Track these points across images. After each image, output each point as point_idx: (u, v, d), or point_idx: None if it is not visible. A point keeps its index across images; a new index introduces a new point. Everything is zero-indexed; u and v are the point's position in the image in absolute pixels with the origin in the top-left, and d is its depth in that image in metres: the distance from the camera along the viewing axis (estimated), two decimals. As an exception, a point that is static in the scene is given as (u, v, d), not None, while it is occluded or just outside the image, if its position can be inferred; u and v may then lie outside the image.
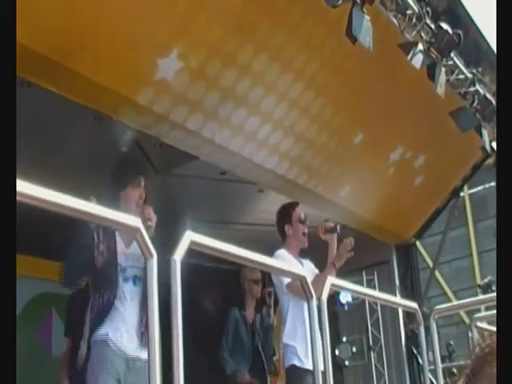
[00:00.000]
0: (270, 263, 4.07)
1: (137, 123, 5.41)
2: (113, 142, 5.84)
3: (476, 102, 6.19)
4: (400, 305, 6.95)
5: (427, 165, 7.99)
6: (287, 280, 5.05)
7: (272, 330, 6.61)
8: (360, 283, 8.61)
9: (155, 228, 4.30)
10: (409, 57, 5.20)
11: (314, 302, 3.90)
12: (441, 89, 5.49)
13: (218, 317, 7.69)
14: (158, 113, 5.26)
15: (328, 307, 4.07)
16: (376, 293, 7.00)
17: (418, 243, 9.99)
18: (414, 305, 5.22)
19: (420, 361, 8.31)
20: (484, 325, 5.30)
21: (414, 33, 5.29)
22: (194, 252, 3.05)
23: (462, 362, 9.08)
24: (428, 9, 5.31)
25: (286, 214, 5.49)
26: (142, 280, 4.42)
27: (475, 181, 10.47)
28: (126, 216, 3.11)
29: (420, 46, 5.24)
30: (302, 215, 5.44)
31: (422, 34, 5.34)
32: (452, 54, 5.68)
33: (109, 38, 4.59)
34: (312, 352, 3.96)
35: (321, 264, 5.37)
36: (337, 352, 9.22)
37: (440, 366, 5.21)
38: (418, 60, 5.23)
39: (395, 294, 8.70)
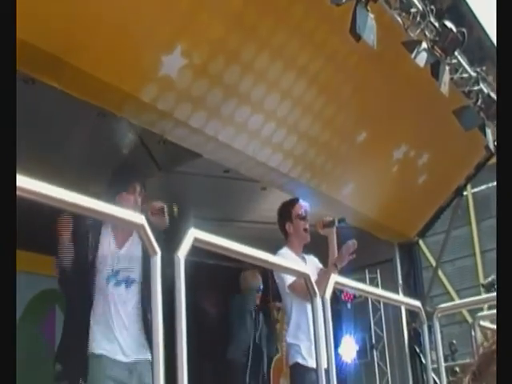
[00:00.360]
0: (273, 261, 4.06)
1: (140, 120, 5.40)
2: (116, 139, 5.84)
3: (480, 101, 6.18)
4: (404, 303, 6.95)
5: (431, 163, 7.98)
6: (290, 280, 5.04)
7: (274, 344, 6.63)
8: (363, 281, 8.60)
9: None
10: (413, 55, 5.19)
11: (318, 300, 3.90)
12: (444, 87, 5.48)
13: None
14: (161, 110, 5.25)
15: (331, 306, 4.07)
16: (379, 291, 7.00)
17: (421, 242, 9.98)
18: (418, 303, 5.21)
19: (423, 360, 8.30)
20: (487, 324, 5.29)
21: (418, 31, 5.28)
22: (194, 250, 3.04)
23: (464, 361, 9.08)
24: (432, 7, 5.30)
25: (285, 211, 5.48)
26: (136, 282, 4.41)
27: (478, 180, 10.44)
28: (129, 212, 3.10)
29: (424, 45, 5.23)
30: (302, 211, 5.42)
31: (426, 33, 5.33)
32: (456, 53, 5.67)
33: (113, 34, 4.58)
34: (315, 350, 3.96)
35: (325, 259, 5.38)
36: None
37: (443, 364, 5.20)
38: (421, 58, 5.22)
39: (398, 293, 8.69)
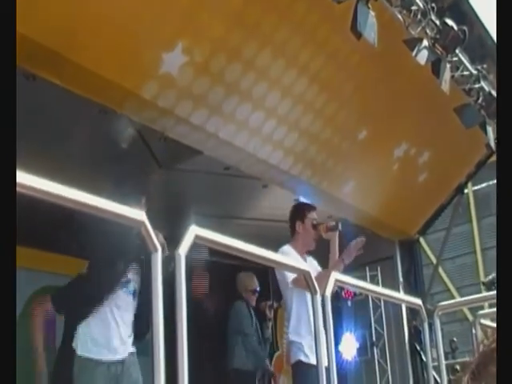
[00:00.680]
0: (274, 258, 4.06)
1: (141, 117, 5.40)
2: (117, 136, 5.84)
3: (481, 99, 6.18)
4: (404, 301, 6.94)
5: (431, 161, 7.98)
6: (292, 275, 5.03)
7: (270, 342, 6.63)
8: (363, 279, 8.60)
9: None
10: (414, 53, 5.19)
11: (319, 298, 3.90)
12: (445, 85, 5.48)
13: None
14: (162, 107, 5.25)
15: (332, 303, 4.07)
16: (380, 289, 6.99)
17: (421, 239, 9.98)
18: (418, 301, 5.21)
19: (423, 357, 8.31)
20: (487, 322, 5.29)
21: (419, 29, 5.28)
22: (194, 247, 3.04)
23: (465, 359, 9.08)
24: (433, 5, 5.30)
25: (300, 211, 5.47)
26: (140, 293, 4.45)
27: (479, 178, 10.46)
28: (130, 209, 3.10)
29: (425, 42, 5.23)
30: (316, 220, 5.41)
31: (427, 30, 5.33)
32: (457, 51, 5.67)
33: (114, 31, 4.58)
34: (315, 347, 3.96)
35: (323, 263, 5.37)
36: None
37: (443, 362, 5.20)
38: (422, 56, 5.22)
39: (398, 290, 8.69)
